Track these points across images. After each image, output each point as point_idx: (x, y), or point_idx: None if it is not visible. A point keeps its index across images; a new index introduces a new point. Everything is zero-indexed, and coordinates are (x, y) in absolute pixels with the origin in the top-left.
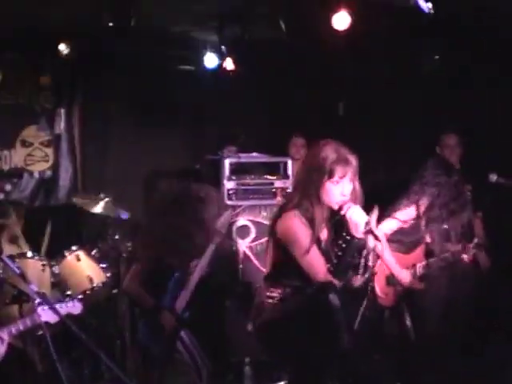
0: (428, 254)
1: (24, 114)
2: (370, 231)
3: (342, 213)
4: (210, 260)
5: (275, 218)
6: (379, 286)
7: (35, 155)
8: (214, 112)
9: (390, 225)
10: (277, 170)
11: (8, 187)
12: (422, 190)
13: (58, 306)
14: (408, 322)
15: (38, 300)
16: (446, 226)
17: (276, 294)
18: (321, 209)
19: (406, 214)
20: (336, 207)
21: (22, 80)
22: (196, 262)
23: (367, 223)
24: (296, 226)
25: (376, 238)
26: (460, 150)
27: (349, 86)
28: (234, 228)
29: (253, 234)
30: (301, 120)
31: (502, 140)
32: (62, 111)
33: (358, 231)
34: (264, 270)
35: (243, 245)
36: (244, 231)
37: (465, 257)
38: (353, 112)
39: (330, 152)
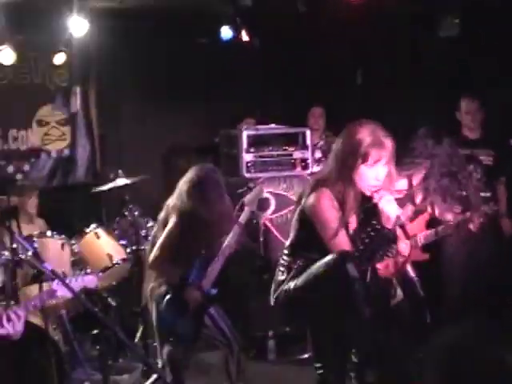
0: (430, 223)
1: (39, 94)
2: (400, 225)
3: (375, 201)
4: (238, 238)
5: (305, 193)
6: None
7: (52, 134)
8: (230, 85)
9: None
10: (295, 140)
11: (26, 167)
12: (414, 162)
13: (73, 280)
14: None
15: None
16: (442, 195)
17: (295, 265)
18: (353, 192)
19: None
20: (369, 193)
21: (36, 59)
22: (224, 241)
23: (398, 217)
24: (326, 206)
25: (406, 234)
26: (481, 115)
27: (366, 53)
28: None
29: (272, 206)
30: (317, 90)
31: None
32: (78, 89)
33: (389, 223)
34: (284, 241)
35: (263, 218)
36: (264, 204)
37: (471, 226)
38: (370, 80)
39: (365, 135)
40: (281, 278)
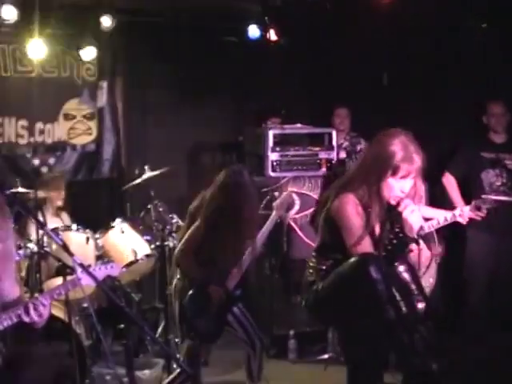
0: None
1: (66, 87)
2: (421, 236)
3: (400, 209)
4: (265, 239)
5: (331, 197)
6: None
7: (78, 128)
8: (255, 84)
9: None
10: (321, 141)
11: (51, 160)
12: None
13: (96, 268)
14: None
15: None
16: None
17: (324, 266)
18: (378, 200)
19: None
20: (393, 202)
21: (64, 53)
22: (250, 243)
23: (422, 228)
24: (351, 213)
25: (417, 243)
26: (507, 118)
27: (392, 55)
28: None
29: (297, 206)
30: (343, 91)
31: None
32: (105, 84)
33: (412, 233)
34: (308, 241)
35: (287, 217)
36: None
37: (460, 220)
38: (397, 82)
39: (398, 148)
40: (310, 279)
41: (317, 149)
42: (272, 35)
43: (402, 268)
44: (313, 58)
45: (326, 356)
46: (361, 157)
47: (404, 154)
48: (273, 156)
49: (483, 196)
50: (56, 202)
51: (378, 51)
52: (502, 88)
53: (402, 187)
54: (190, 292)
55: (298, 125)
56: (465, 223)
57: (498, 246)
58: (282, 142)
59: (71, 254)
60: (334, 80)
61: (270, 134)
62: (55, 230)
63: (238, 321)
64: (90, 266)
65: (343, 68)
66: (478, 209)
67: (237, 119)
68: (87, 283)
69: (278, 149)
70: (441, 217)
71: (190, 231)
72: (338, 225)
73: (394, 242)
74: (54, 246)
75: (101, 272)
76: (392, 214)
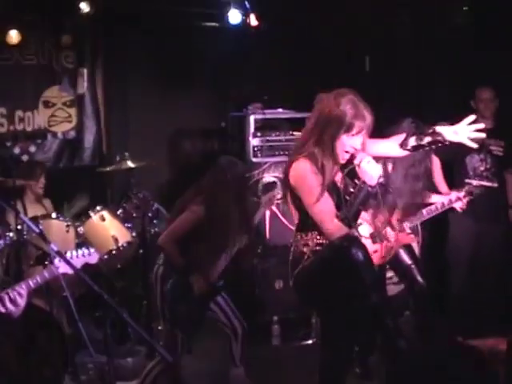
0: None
1: (45, 75)
2: (382, 184)
3: (356, 162)
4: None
5: (287, 168)
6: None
7: (58, 116)
8: (238, 69)
9: None
10: (302, 126)
11: (32, 148)
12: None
13: (74, 256)
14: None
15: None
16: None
17: (311, 242)
18: (332, 158)
19: None
20: (344, 160)
21: (43, 40)
22: (237, 235)
23: (380, 176)
24: (306, 173)
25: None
26: (494, 104)
27: (375, 40)
28: (260, 185)
29: (279, 191)
30: (326, 76)
31: None
32: (84, 71)
33: (372, 181)
34: (291, 226)
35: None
36: (270, 188)
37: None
38: (379, 67)
39: (349, 106)
40: (295, 258)
41: (299, 134)
42: (253, 20)
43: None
44: (295, 43)
45: (309, 341)
46: (309, 121)
47: (355, 112)
48: (254, 141)
49: (466, 181)
50: (36, 190)
51: (361, 36)
52: (491, 73)
53: (353, 144)
54: (171, 280)
55: (280, 110)
56: (460, 210)
57: (480, 231)
58: (264, 127)
59: (48, 242)
60: (316, 65)
61: (251, 119)
62: (35, 217)
63: (220, 307)
64: (66, 252)
65: (326, 53)
66: (471, 194)
67: (219, 105)
68: (65, 271)
69: (259, 134)
70: (438, 203)
71: (178, 221)
72: (297, 190)
73: (356, 193)
74: (35, 235)
75: (79, 260)
76: (349, 169)
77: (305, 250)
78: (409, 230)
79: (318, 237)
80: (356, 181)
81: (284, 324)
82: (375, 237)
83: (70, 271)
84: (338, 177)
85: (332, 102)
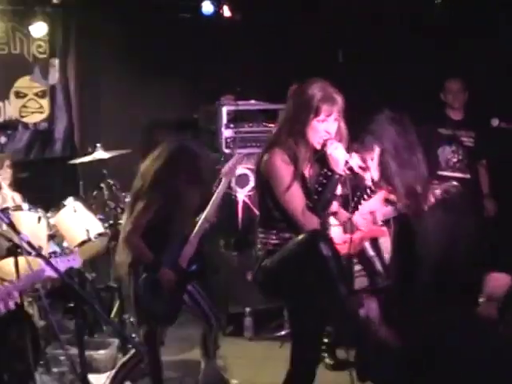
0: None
1: (17, 65)
2: (349, 168)
3: (324, 149)
4: (216, 209)
5: (259, 159)
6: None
7: (30, 106)
8: (211, 60)
9: None
10: (275, 117)
11: (2, 139)
12: (372, 144)
13: (58, 260)
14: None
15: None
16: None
17: (270, 240)
18: (305, 147)
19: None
20: (319, 146)
21: (14, 30)
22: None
23: (347, 161)
24: (277, 163)
25: (353, 173)
26: (464, 95)
27: (348, 32)
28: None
29: (252, 183)
30: (299, 68)
31: (503, 86)
32: (56, 61)
33: (339, 168)
34: None
35: (242, 194)
36: (243, 180)
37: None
38: (352, 59)
39: (316, 90)
40: (259, 254)
41: (272, 125)
42: (226, 11)
43: None
44: (268, 33)
45: (282, 333)
46: (281, 114)
47: (323, 94)
48: (226, 133)
49: (439, 173)
50: (3, 181)
51: (334, 27)
52: (461, 64)
53: (327, 128)
54: (143, 276)
55: (252, 101)
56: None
57: (452, 222)
58: (236, 118)
59: (18, 233)
60: (290, 56)
61: (224, 110)
62: (6, 209)
63: (193, 299)
64: (41, 247)
65: (299, 44)
66: (448, 193)
67: (192, 96)
68: (49, 274)
69: (231, 125)
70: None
71: (135, 212)
72: (268, 180)
73: (324, 182)
74: (5, 226)
75: (63, 264)
76: (318, 156)
77: (263, 247)
78: (381, 223)
79: (274, 237)
80: (325, 170)
81: (256, 316)
82: (346, 226)
83: (54, 275)
84: (308, 169)
85: (300, 91)
